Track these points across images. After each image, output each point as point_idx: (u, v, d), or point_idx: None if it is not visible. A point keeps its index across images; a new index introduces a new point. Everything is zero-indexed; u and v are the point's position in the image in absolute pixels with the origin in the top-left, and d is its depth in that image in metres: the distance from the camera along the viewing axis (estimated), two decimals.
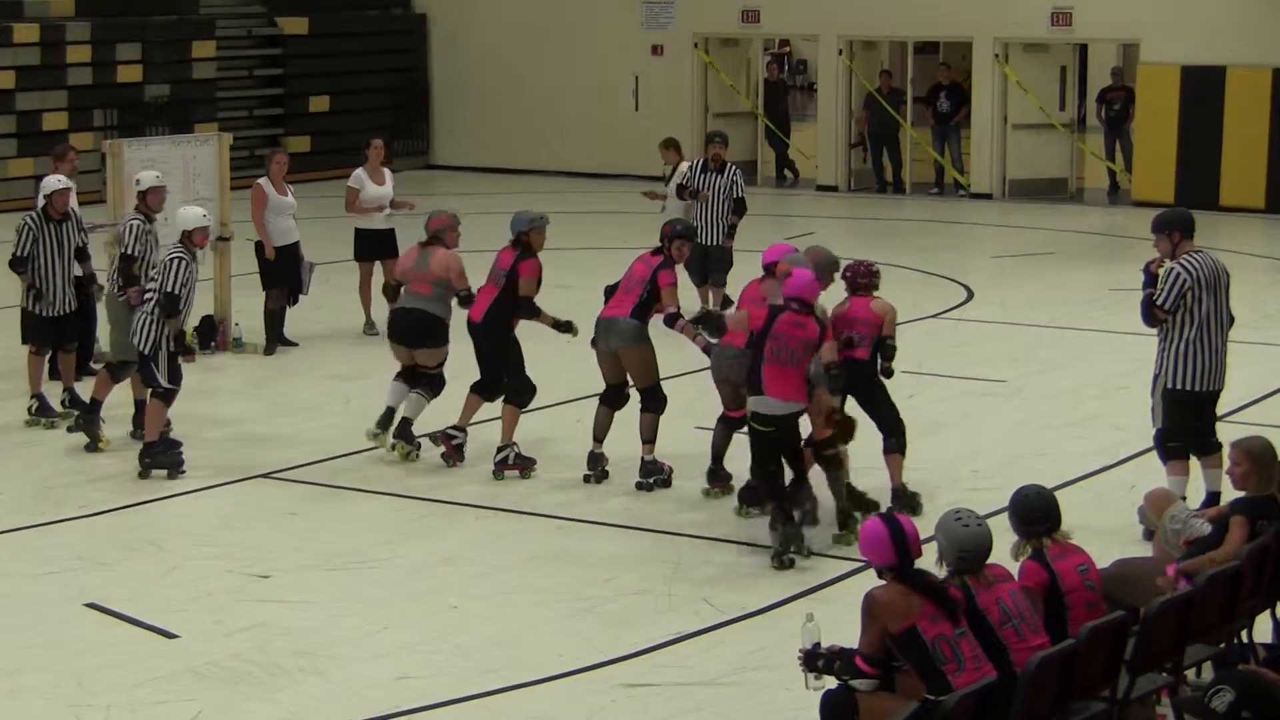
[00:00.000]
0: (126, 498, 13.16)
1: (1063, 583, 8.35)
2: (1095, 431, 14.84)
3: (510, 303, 13.62)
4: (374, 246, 18.51)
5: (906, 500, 12.35)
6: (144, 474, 13.67)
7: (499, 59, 32.02)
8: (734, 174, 18.71)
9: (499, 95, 31.74)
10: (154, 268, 14.02)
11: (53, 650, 10.33)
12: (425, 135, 33.01)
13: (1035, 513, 8.53)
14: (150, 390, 13.78)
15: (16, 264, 15.12)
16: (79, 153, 17.84)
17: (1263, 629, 9.38)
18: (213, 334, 17.73)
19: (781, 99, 31.98)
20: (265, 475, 13.73)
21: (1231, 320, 12.19)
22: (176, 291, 13.49)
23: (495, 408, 13.96)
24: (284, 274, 17.71)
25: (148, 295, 13.66)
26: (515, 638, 10.43)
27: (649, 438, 13.38)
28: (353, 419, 15.40)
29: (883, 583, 7.93)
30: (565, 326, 13.86)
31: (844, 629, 8.53)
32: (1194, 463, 12.14)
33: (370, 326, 18.47)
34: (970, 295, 20.44)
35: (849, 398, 12.29)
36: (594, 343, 13.50)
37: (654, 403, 13.49)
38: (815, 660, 8.11)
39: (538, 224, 13.66)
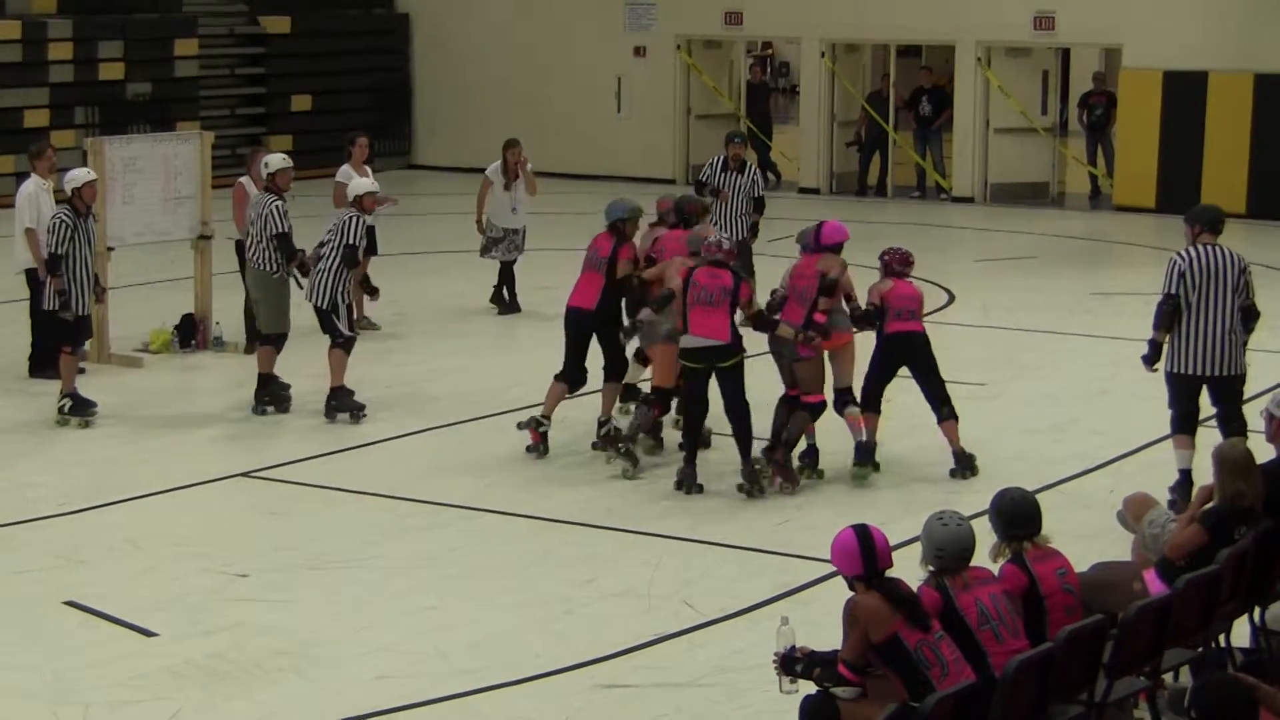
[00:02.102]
0: (106, 496, 13.14)
1: (1042, 586, 8.36)
2: (1075, 435, 14.86)
3: (614, 287, 14.02)
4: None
5: (966, 462, 13.52)
6: (330, 418, 14.99)
7: (481, 59, 32.01)
8: (754, 173, 18.81)
9: (481, 95, 31.72)
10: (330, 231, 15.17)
11: (31, 649, 10.30)
12: (407, 135, 32.99)
13: (1018, 516, 8.53)
14: (332, 341, 15.02)
15: (54, 263, 14.93)
16: (58, 150, 17.80)
17: (1241, 633, 9.40)
18: (193, 333, 17.70)
19: (764, 101, 32.00)
20: (245, 474, 13.71)
21: (1252, 314, 12.73)
22: (355, 243, 14.98)
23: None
24: None
25: (322, 256, 14.99)
26: (494, 638, 10.42)
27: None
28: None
29: (862, 591, 7.91)
30: (664, 302, 13.57)
31: (823, 632, 8.54)
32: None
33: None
34: (951, 299, 20.46)
35: (903, 368, 13.45)
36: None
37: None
38: (793, 665, 8.10)
39: (634, 214, 14.28)
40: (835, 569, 8.11)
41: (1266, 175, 26.33)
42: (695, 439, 13.35)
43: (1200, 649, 8.96)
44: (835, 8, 29.35)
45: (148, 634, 10.44)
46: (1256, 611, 9.43)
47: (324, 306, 15.01)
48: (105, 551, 11.98)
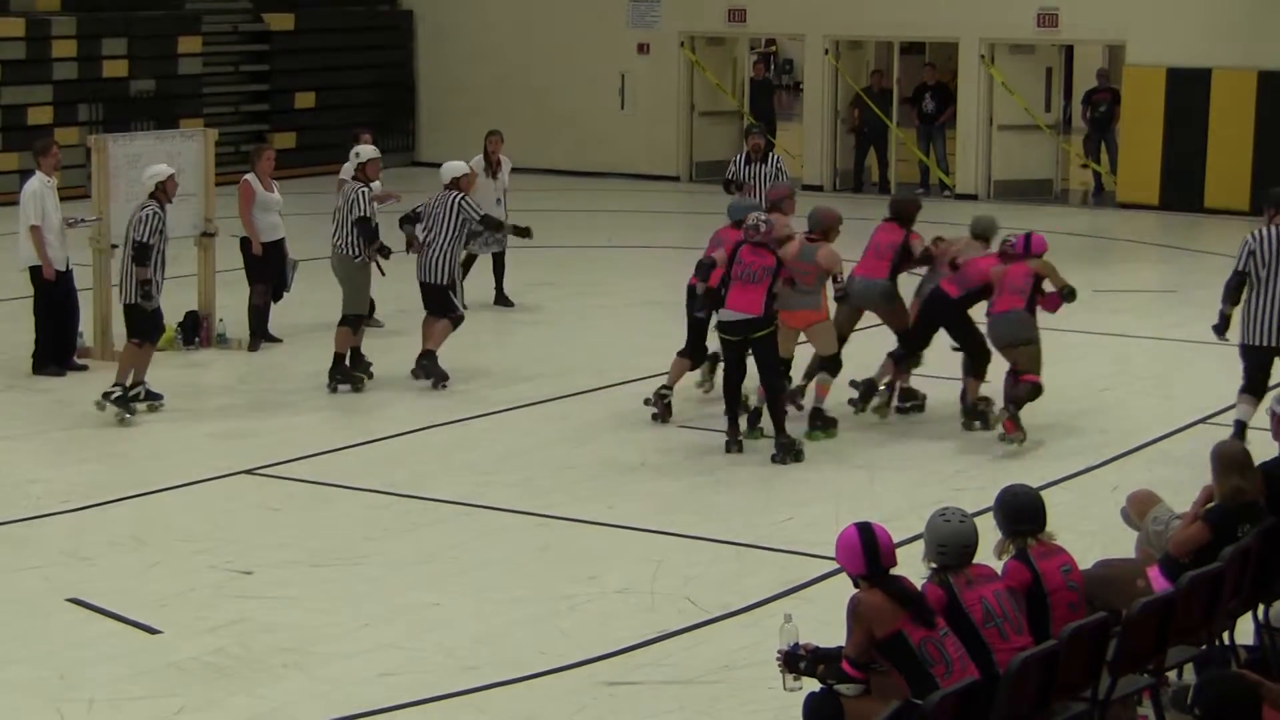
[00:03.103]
0: (110, 493, 13.15)
1: (1046, 583, 8.36)
2: (1079, 432, 14.86)
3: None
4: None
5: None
6: (416, 375, 15.93)
7: (485, 56, 32.00)
8: (777, 161, 18.86)
9: (485, 92, 31.71)
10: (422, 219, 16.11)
11: (35, 645, 10.31)
12: (410, 131, 33.00)
13: (1023, 512, 8.53)
14: (446, 315, 16.01)
15: (143, 253, 14.95)
16: (62, 147, 17.80)
17: (1244, 630, 9.40)
18: (196, 329, 17.71)
19: (767, 98, 31.99)
20: (248, 471, 13.71)
21: None
22: (476, 228, 16.53)
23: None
24: (269, 270, 17.70)
25: (429, 238, 15.95)
26: (497, 635, 10.43)
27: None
28: (336, 414, 15.42)
29: (865, 589, 7.91)
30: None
31: (826, 629, 8.54)
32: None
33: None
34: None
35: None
36: (840, 298, 14.95)
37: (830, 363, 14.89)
38: (796, 662, 8.10)
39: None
40: (838, 566, 8.12)
41: (1269, 172, 26.26)
42: (735, 404, 14.21)
43: (1204, 646, 8.96)
44: (838, 5, 29.34)
45: (151, 631, 10.45)
46: (1260, 609, 9.42)
47: (444, 283, 15.99)
48: (109, 548, 11.99)
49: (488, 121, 28.54)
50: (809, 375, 15.01)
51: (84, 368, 16.69)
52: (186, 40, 29.67)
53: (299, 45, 31.35)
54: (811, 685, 8.07)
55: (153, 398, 15.28)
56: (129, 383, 15.11)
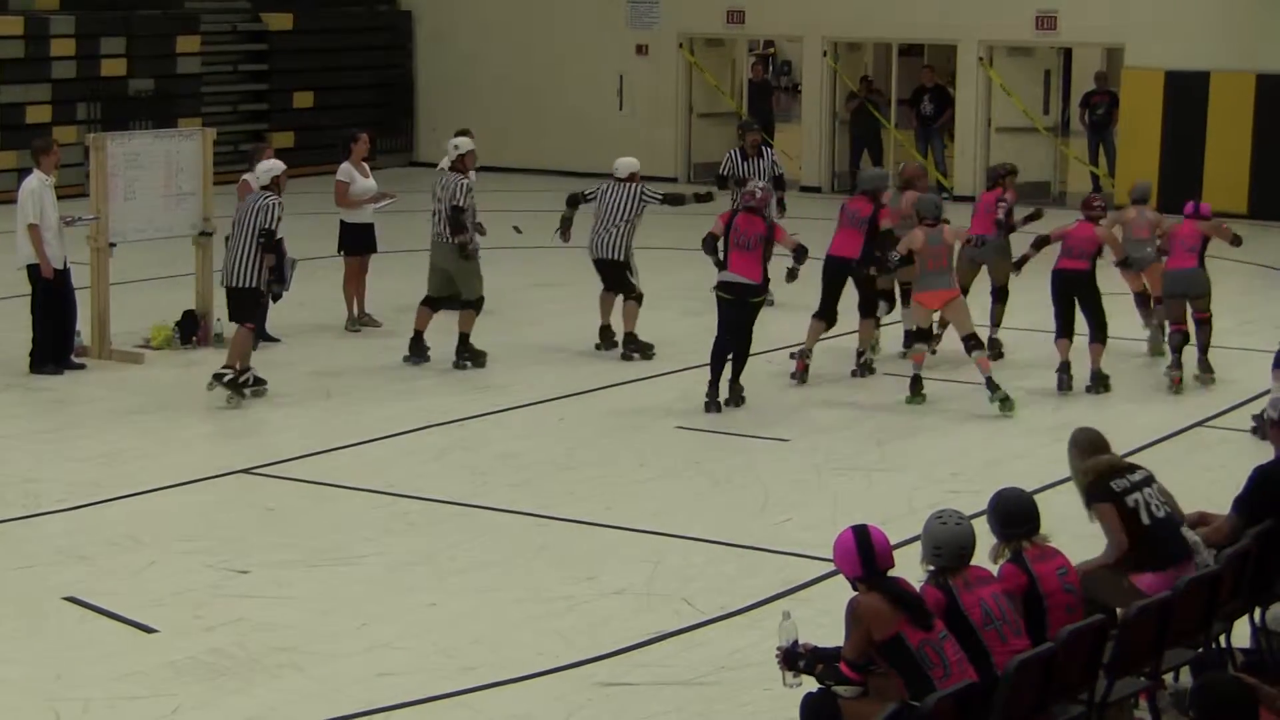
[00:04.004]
0: (107, 492, 13.14)
1: (1042, 586, 8.35)
2: None
3: (872, 240, 16.19)
4: (361, 240, 18.51)
5: (1102, 381, 16.14)
6: (627, 356, 17.14)
7: (484, 56, 32.00)
8: (771, 155, 19.73)
9: (483, 93, 31.73)
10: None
11: (31, 643, 10.31)
12: (409, 132, 33.00)
13: (1015, 515, 8.53)
14: (629, 295, 17.20)
15: (274, 242, 15.51)
16: (60, 146, 17.78)
17: (1241, 633, 9.40)
18: (194, 329, 17.70)
19: (766, 100, 31.98)
20: (246, 470, 13.71)
21: None
22: (657, 207, 17.63)
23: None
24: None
25: (602, 219, 17.20)
26: (494, 635, 10.43)
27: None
28: (334, 414, 15.42)
29: (864, 591, 7.91)
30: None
31: (822, 630, 8.54)
32: None
33: (353, 322, 18.45)
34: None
35: (1074, 298, 16.08)
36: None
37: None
38: (795, 660, 8.09)
39: (885, 182, 17.05)
40: (836, 568, 8.11)
41: (1268, 175, 26.34)
42: (719, 367, 15.31)
43: (1200, 649, 8.96)
44: (837, 6, 29.36)
45: (148, 630, 10.44)
46: (1257, 612, 9.43)
47: (619, 258, 17.13)
48: (106, 547, 11.98)
49: (486, 122, 28.63)
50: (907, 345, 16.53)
51: (82, 366, 16.69)
52: (185, 39, 29.67)
53: (297, 45, 31.35)
54: (810, 683, 8.07)
55: (259, 383, 15.65)
56: (239, 366, 15.44)
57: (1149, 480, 9.37)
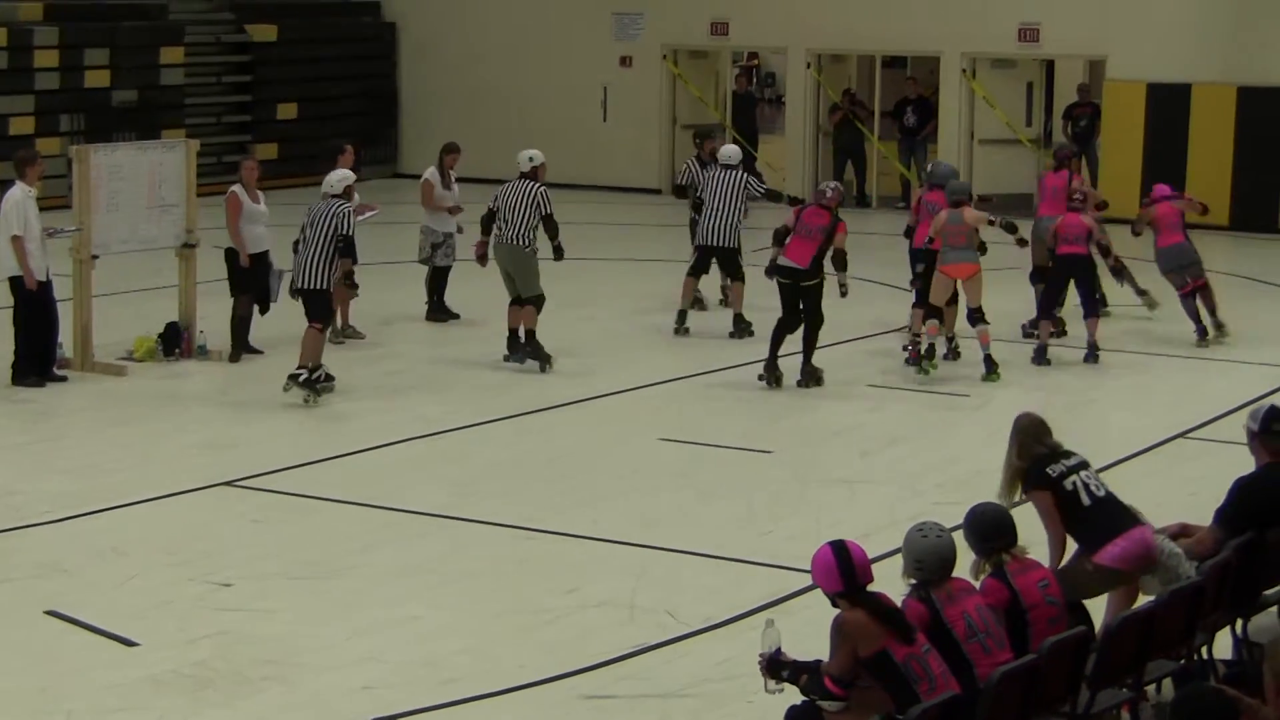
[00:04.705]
0: (89, 504, 13.12)
1: (1024, 599, 8.36)
2: None
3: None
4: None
5: (1093, 352, 17.72)
6: (736, 335, 18.62)
7: (468, 68, 32.02)
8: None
9: (468, 104, 31.72)
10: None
11: (13, 657, 10.28)
12: (394, 143, 32.99)
13: (993, 528, 8.54)
14: (739, 278, 18.77)
15: (352, 247, 16.10)
16: (44, 158, 17.73)
17: (1223, 645, 9.42)
18: (177, 341, 17.68)
19: (750, 111, 32.02)
20: (229, 483, 13.70)
21: None
22: (758, 198, 19.38)
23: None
24: (254, 282, 17.67)
25: (714, 207, 18.68)
26: (478, 648, 10.42)
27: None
28: (317, 426, 15.41)
29: (847, 608, 7.91)
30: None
31: (806, 642, 8.54)
32: None
33: (336, 334, 18.43)
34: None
35: (1071, 280, 17.87)
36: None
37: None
38: (778, 668, 8.10)
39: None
40: (815, 584, 8.11)
41: (1249, 187, 26.41)
42: (778, 343, 16.48)
43: (1183, 661, 8.98)
44: (821, 18, 29.39)
45: (130, 643, 10.42)
46: (1239, 623, 9.45)
47: (734, 245, 18.72)
48: (89, 560, 11.97)
49: (471, 133, 28.63)
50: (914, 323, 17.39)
51: (64, 379, 16.66)
52: (169, 51, 29.64)
53: (282, 56, 31.34)
54: (792, 691, 8.07)
55: (329, 379, 16.09)
56: (312, 365, 15.87)
57: (1084, 464, 9.41)
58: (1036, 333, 18.06)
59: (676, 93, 31.01)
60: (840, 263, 16.41)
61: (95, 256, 17.07)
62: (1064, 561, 9.38)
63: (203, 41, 30.72)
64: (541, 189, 17.52)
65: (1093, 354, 17.70)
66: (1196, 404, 16.17)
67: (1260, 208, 26.29)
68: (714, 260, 19.05)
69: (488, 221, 17.57)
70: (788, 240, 16.32)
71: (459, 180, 20.20)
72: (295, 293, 16.24)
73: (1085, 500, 9.27)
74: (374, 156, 31.39)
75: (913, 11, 28.62)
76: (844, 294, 16.54)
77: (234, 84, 31.26)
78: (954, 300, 17.32)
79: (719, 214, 18.74)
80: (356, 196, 18.42)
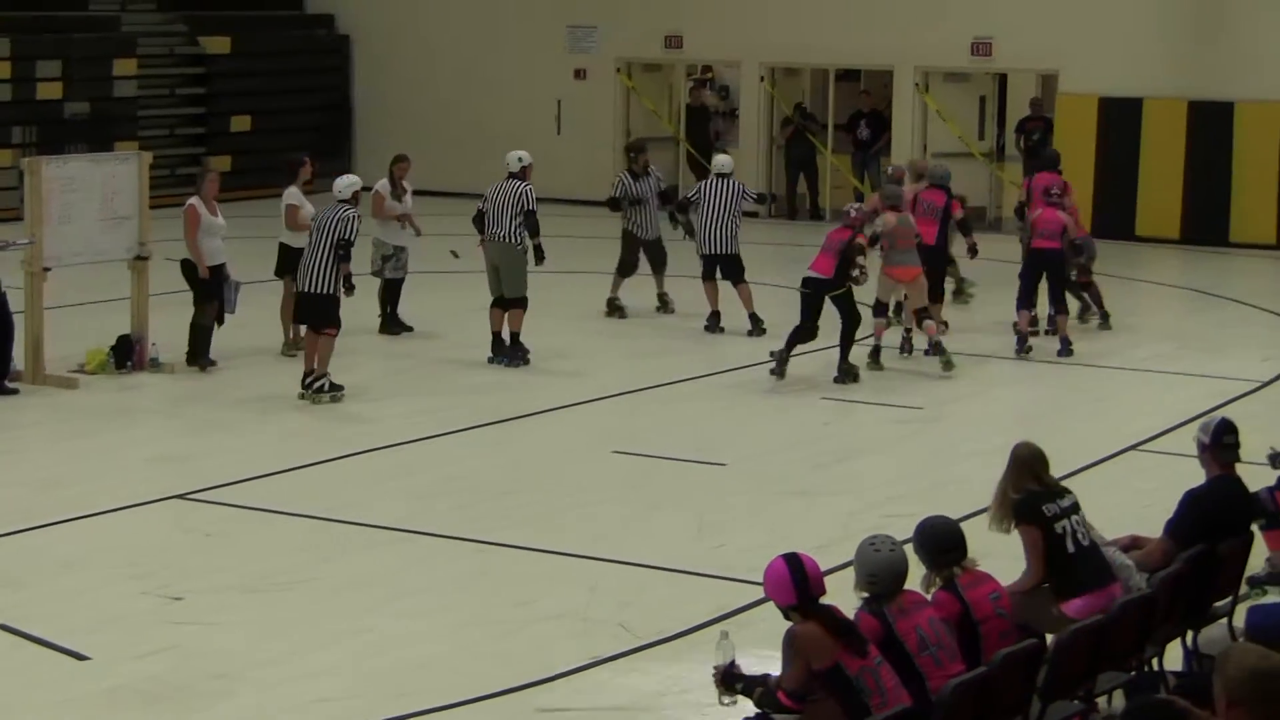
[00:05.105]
0: (41, 517, 13.06)
1: (975, 612, 8.39)
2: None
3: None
4: (290, 263, 18.41)
5: (1066, 348, 18.52)
6: (754, 333, 19.25)
7: (423, 80, 32.00)
8: (657, 174, 21.10)
9: (422, 116, 31.70)
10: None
11: None
12: (348, 156, 32.91)
13: (944, 541, 8.55)
14: (744, 280, 19.68)
15: (348, 251, 16.47)
16: None
17: (1174, 656, 9.46)
18: (129, 353, 17.60)
19: (704, 124, 32.06)
20: (181, 496, 13.65)
21: None
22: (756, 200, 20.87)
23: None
24: (213, 293, 17.59)
25: (710, 216, 19.51)
26: (432, 661, 10.41)
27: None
28: (272, 439, 15.37)
29: (799, 621, 7.91)
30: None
31: (760, 655, 8.56)
32: None
33: (289, 346, 18.37)
34: (890, 322, 20.51)
35: (1044, 273, 18.54)
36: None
37: None
38: (733, 681, 8.10)
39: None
40: (768, 597, 8.11)
41: (1200, 200, 26.55)
42: (792, 346, 17.27)
43: (1134, 672, 9.01)
44: (774, 32, 29.46)
45: (81, 657, 10.38)
46: (1189, 635, 9.49)
47: (736, 251, 19.60)
48: (40, 573, 11.91)
49: (425, 145, 28.62)
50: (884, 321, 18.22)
51: (15, 391, 16.56)
52: (122, 63, 29.53)
53: (235, 68, 31.26)
54: (745, 703, 8.08)
55: (335, 389, 16.46)
56: (318, 371, 16.42)
57: (1076, 507, 9.44)
58: (1016, 324, 18.70)
59: (630, 106, 31.03)
60: (859, 252, 17.11)
61: (48, 269, 17.00)
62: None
63: (156, 53, 30.62)
64: (528, 187, 18.01)
65: (1065, 349, 18.39)
66: (1148, 416, 16.24)
67: (1211, 221, 26.43)
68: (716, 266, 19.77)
69: (479, 222, 18.21)
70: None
71: (417, 193, 20.20)
72: (301, 297, 16.70)
73: (1070, 548, 9.29)
74: (329, 169, 31.20)
75: (866, 25, 28.71)
76: (974, 254, 19.04)
77: (187, 96, 31.17)
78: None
79: (718, 222, 19.54)
80: (307, 209, 18.44)
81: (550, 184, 30.35)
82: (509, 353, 17.90)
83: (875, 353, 17.84)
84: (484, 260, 18.31)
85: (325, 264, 16.39)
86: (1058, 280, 18.58)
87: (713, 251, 19.60)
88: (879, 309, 18.01)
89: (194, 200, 17.60)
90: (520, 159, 18.33)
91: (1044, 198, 18.91)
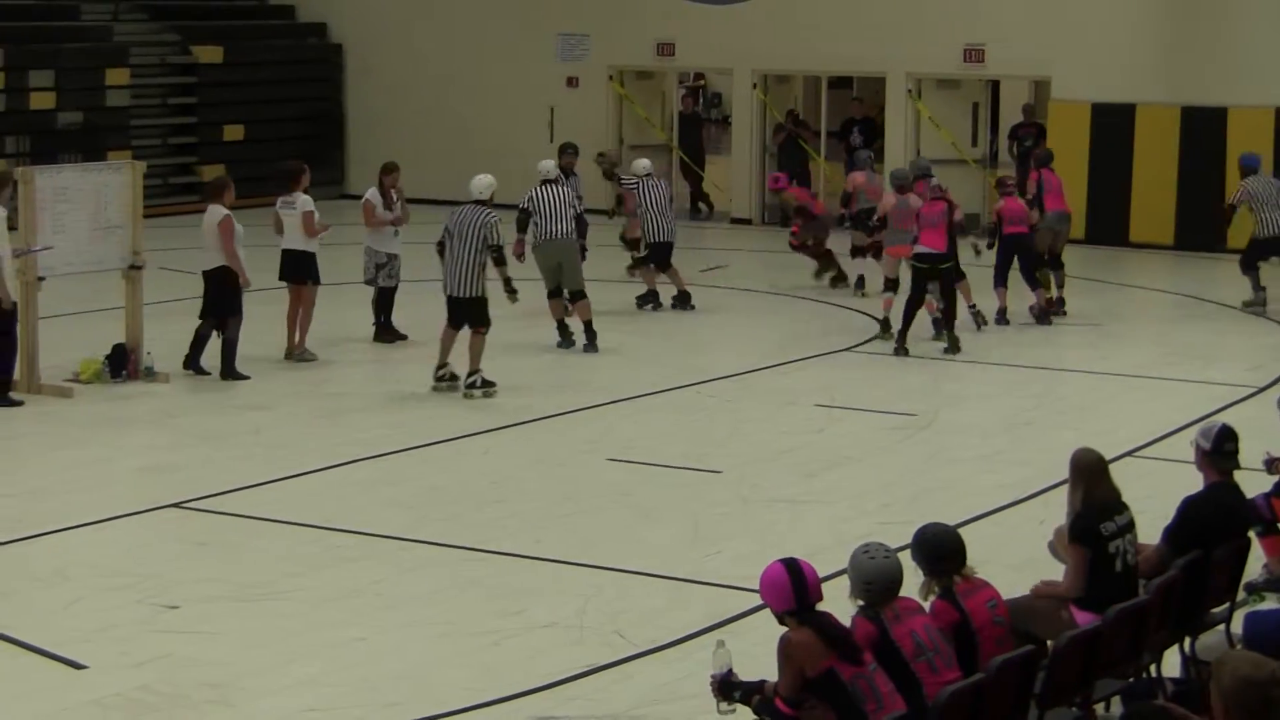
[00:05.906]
0: (34, 527, 13.04)
1: (973, 620, 8.37)
2: (1003, 466, 14.93)
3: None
4: (304, 268, 18.40)
5: (1045, 315, 20.77)
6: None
7: (414, 89, 32.01)
8: (576, 181, 21.66)
9: (414, 125, 31.71)
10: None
11: None
12: (340, 164, 32.93)
13: (942, 549, 8.53)
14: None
15: (502, 255, 17.20)
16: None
17: (1171, 663, 9.46)
18: (123, 363, 17.59)
19: (696, 132, 32.08)
20: (175, 505, 13.63)
21: None
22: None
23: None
24: (239, 306, 17.54)
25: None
26: (423, 670, 10.39)
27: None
28: (264, 449, 15.35)
29: (794, 627, 7.90)
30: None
31: (754, 662, 8.55)
32: None
33: (291, 352, 18.31)
34: (882, 329, 20.52)
35: (1015, 256, 20.36)
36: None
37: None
38: (730, 690, 8.09)
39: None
40: (763, 602, 8.09)
41: (1193, 207, 26.56)
42: (909, 321, 18.82)
43: (1130, 679, 9.01)
44: (766, 39, 29.48)
45: (75, 666, 10.36)
46: (1186, 641, 9.48)
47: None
48: (33, 582, 11.89)
49: (417, 154, 28.63)
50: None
51: (20, 403, 16.51)
52: (114, 73, 29.56)
53: (227, 78, 31.28)
54: (744, 712, 8.07)
55: (488, 384, 16.98)
56: (472, 368, 16.92)
57: (1131, 525, 9.39)
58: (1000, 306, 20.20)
59: (623, 114, 31.05)
60: (961, 230, 18.94)
61: (41, 278, 16.98)
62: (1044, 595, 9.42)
63: (148, 63, 30.63)
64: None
65: (1044, 317, 20.47)
66: (1142, 422, 16.24)
67: (1204, 227, 26.42)
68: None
69: (523, 221, 19.56)
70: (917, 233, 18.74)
71: (410, 201, 20.18)
72: (452, 301, 17.07)
73: (1118, 567, 9.25)
74: (320, 178, 31.27)
75: (858, 33, 28.72)
76: (979, 252, 20.31)
77: (179, 106, 31.19)
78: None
79: (665, 216, 21.40)
80: (318, 215, 18.46)
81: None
82: (586, 339, 19.05)
83: (885, 323, 19.50)
84: (537, 263, 19.38)
85: (473, 267, 16.88)
86: (1027, 259, 20.39)
87: (663, 239, 21.36)
88: (887, 284, 19.82)
89: (227, 212, 17.52)
90: (558, 165, 20.27)
91: (999, 188, 21.04)
